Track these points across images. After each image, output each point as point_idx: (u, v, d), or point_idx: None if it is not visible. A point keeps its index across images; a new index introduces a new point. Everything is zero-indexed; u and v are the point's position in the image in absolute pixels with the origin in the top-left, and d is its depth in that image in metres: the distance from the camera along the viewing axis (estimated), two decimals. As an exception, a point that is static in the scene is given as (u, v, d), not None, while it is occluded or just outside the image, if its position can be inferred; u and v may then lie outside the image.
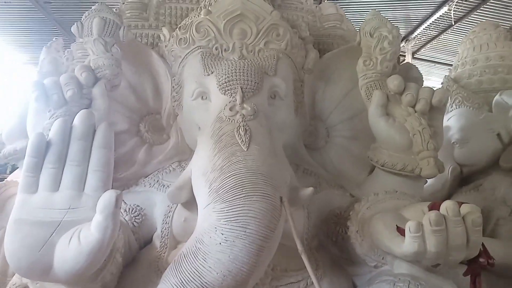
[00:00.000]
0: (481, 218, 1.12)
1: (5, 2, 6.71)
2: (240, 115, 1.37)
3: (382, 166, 1.58)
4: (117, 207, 0.99)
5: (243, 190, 1.15)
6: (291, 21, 1.86)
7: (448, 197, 2.45)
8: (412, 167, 1.51)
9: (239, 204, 1.13)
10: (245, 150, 1.26)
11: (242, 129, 1.32)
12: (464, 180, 2.54)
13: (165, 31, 1.73)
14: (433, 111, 1.57)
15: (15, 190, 1.71)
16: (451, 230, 1.11)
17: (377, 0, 6.88)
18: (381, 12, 1.77)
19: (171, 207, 1.49)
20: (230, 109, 1.39)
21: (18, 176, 1.96)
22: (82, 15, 1.62)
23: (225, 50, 1.55)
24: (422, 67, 9.33)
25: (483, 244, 1.20)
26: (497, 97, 2.41)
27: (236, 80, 1.44)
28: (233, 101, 1.41)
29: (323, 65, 1.78)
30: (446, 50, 8.87)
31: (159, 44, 1.78)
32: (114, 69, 1.50)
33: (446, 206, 1.12)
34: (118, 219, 1.02)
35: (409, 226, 1.12)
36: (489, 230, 2.21)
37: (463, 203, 1.15)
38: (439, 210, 1.13)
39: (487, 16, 7.03)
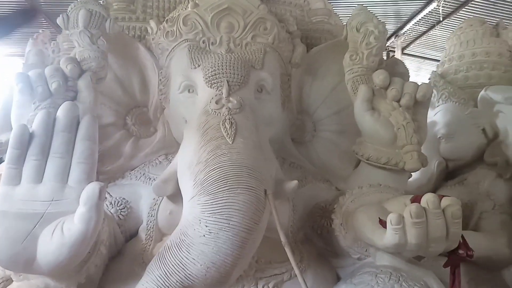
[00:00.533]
0: (460, 210, 1.14)
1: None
2: (226, 108, 1.37)
3: (367, 160, 1.59)
4: (101, 199, 1.00)
5: (227, 182, 1.16)
6: (279, 15, 1.86)
7: (434, 191, 2.48)
8: (396, 160, 1.52)
9: (223, 197, 1.14)
10: (231, 143, 1.27)
11: (228, 122, 1.32)
12: (450, 174, 2.58)
13: (152, 24, 1.72)
14: (418, 105, 1.59)
15: (-1, 183, 1.69)
16: (431, 223, 1.13)
17: (367, -5, 6.90)
18: (370, 7, 1.78)
19: (157, 200, 1.49)
20: (216, 102, 1.39)
21: (2, 169, 1.95)
22: (69, 6, 1.60)
23: (212, 43, 1.54)
24: (411, 62, 9.41)
25: (462, 236, 1.22)
26: (482, 92, 2.44)
27: (223, 73, 1.44)
28: (219, 94, 1.41)
29: (311, 59, 1.79)
30: (435, 46, 8.93)
31: (146, 37, 1.77)
32: (100, 61, 1.49)
33: (427, 199, 1.14)
34: (101, 211, 1.03)
35: (391, 219, 1.14)
36: (473, 223, 2.25)
37: (444, 196, 1.17)
38: (420, 203, 1.15)
39: (474, 13, 7.09)
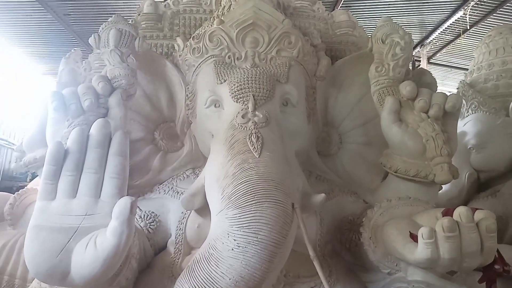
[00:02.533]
0: (495, 224, 1.11)
1: (26, 15, 6.92)
2: (252, 122, 1.39)
3: (395, 172, 1.57)
4: (132, 213, 1.02)
5: (255, 196, 1.17)
6: (303, 29, 1.88)
7: (465, 203, 2.41)
8: (426, 173, 1.49)
9: (251, 211, 1.15)
10: (257, 157, 1.28)
11: (254, 136, 1.34)
12: (482, 186, 2.50)
13: (179, 41, 1.77)
14: (447, 116, 1.56)
15: (34, 197, 1.76)
16: (465, 237, 1.10)
17: (391, 6, 6.84)
18: (395, 17, 1.78)
19: (185, 214, 1.51)
20: (243, 117, 1.41)
21: (38, 184, 2.02)
22: (100, 26, 1.67)
23: (237, 58, 1.57)
24: (437, 72, 9.23)
25: (498, 251, 1.18)
26: (514, 101, 2.38)
27: (248, 88, 1.46)
28: (245, 108, 1.43)
29: (335, 71, 1.79)
30: (462, 55, 8.75)
31: (173, 53, 1.82)
32: (130, 78, 1.54)
33: (460, 212, 1.11)
34: (133, 225, 1.05)
35: (422, 232, 1.11)
36: (508, 237, 2.17)
37: (477, 209, 1.14)
38: (452, 216, 1.12)
39: (503, 20, 6.93)
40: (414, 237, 1.17)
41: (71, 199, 1.09)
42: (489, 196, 2.40)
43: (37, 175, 2.25)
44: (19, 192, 2.09)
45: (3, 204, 2.06)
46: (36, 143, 1.93)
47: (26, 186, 2.45)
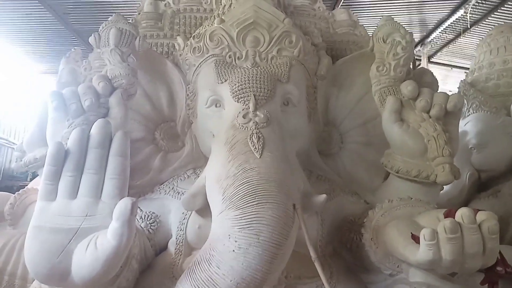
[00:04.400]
0: (497, 225, 1.10)
1: (26, 13, 6.91)
2: (253, 122, 1.38)
3: (396, 172, 1.56)
4: (133, 214, 1.01)
5: (256, 197, 1.16)
6: (304, 28, 1.87)
7: (466, 203, 2.40)
8: (427, 173, 1.49)
9: (252, 212, 1.14)
10: (258, 157, 1.27)
11: (255, 137, 1.33)
12: (483, 186, 2.49)
13: (179, 40, 1.76)
14: (448, 116, 1.55)
15: (35, 197, 1.75)
16: (467, 238, 1.09)
17: (391, 4, 6.83)
18: (395, 16, 1.77)
19: (186, 214, 1.51)
20: (244, 117, 1.40)
21: (38, 184, 2.02)
22: (100, 25, 1.66)
23: (238, 58, 1.56)
24: (438, 71, 9.20)
25: (500, 252, 1.18)
26: (515, 101, 2.37)
27: (249, 87, 1.45)
28: (246, 108, 1.42)
29: (336, 71, 1.78)
30: (463, 54, 8.74)
31: (173, 53, 1.81)
32: (130, 78, 1.53)
33: (462, 213, 1.10)
34: (133, 226, 1.04)
35: (424, 234, 1.11)
36: (508, 237, 2.17)
37: (479, 210, 1.14)
38: (454, 218, 1.12)
39: (504, 19, 6.91)
40: (416, 239, 1.16)
41: (72, 200, 1.09)
42: (490, 196, 2.39)
43: (37, 175, 2.25)
44: (19, 192, 2.09)
45: (4, 204, 2.06)
46: (36, 142, 1.93)
47: (27, 185, 2.44)
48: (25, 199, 2.05)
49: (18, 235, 1.99)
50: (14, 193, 2.10)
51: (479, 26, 7.41)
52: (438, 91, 1.62)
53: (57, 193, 1.10)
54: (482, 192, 2.46)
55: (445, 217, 1.15)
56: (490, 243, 1.11)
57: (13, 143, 9.55)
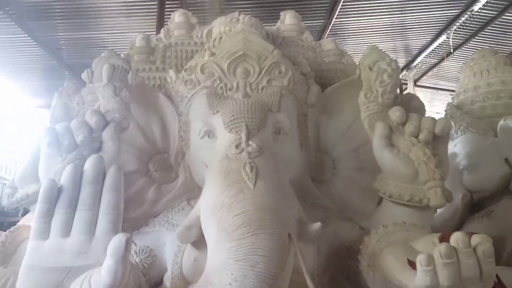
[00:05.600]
0: (492, 248, 1.11)
1: (18, 50, 6.98)
2: (246, 152, 1.39)
3: (389, 197, 1.58)
4: (127, 250, 1.01)
5: (251, 228, 1.16)
6: (292, 58, 1.92)
7: (460, 225, 2.41)
8: (420, 197, 1.50)
9: (247, 243, 1.14)
10: (252, 187, 1.28)
11: (249, 166, 1.34)
12: (475, 206, 2.51)
13: (171, 73, 1.79)
14: (437, 140, 1.58)
15: (26, 235, 1.72)
16: (463, 262, 1.10)
17: (376, 32, 7.02)
18: (381, 43, 1.83)
19: (181, 247, 1.49)
20: (236, 147, 1.41)
21: (30, 220, 1.98)
22: (92, 60, 1.69)
23: (229, 89, 1.59)
24: (424, 94, 9.42)
25: (497, 276, 1.18)
26: (501, 122, 2.42)
27: (241, 118, 1.47)
28: (239, 138, 1.44)
29: (326, 98, 1.82)
30: (447, 77, 8.97)
31: (166, 85, 1.83)
32: (123, 112, 1.55)
33: (456, 237, 1.11)
34: (128, 262, 1.03)
35: (420, 260, 1.11)
36: (504, 257, 2.17)
37: (473, 233, 1.14)
38: (449, 242, 1.12)
39: (485, 43, 7.15)
40: (412, 265, 1.16)
41: (65, 238, 1.08)
42: (483, 217, 2.40)
43: (29, 211, 2.22)
44: (10, 229, 2.05)
45: (-6, 243, 2.01)
46: (28, 178, 1.92)
47: (18, 221, 2.40)
48: (16, 236, 2.00)
49: (9, 274, 1.93)
50: (4, 229, 2.05)
51: (461, 50, 7.65)
52: (426, 115, 1.66)
53: (50, 231, 1.09)
54: (476, 213, 2.48)
55: (440, 242, 1.15)
56: (487, 266, 1.11)
57: (5, 178, 9.41)
